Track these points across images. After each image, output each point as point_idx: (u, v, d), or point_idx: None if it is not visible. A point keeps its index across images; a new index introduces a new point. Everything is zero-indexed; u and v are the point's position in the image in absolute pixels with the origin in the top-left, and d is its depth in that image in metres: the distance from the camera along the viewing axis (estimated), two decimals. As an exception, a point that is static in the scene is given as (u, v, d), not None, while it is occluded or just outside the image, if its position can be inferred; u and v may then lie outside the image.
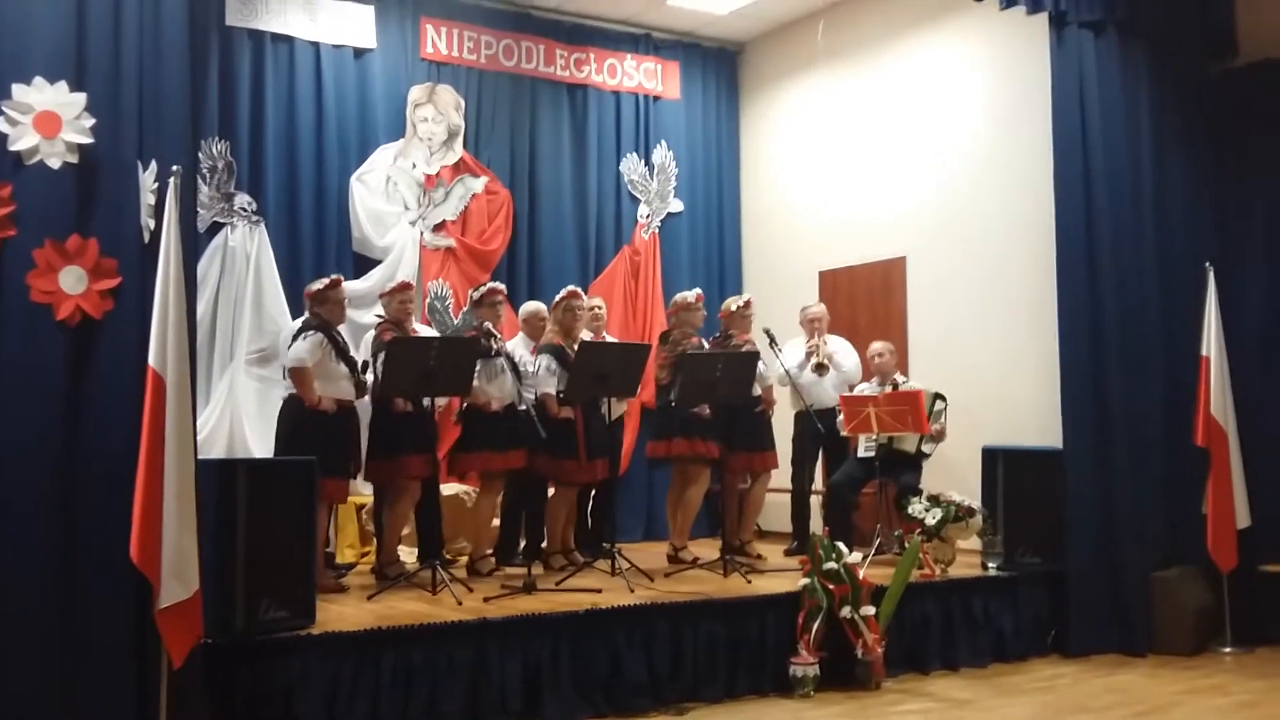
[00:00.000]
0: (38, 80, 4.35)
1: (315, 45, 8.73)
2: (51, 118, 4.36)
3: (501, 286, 7.42)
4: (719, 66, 10.68)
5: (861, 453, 7.69)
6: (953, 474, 7.68)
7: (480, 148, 9.46)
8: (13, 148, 4.31)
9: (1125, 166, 7.14)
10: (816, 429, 7.80)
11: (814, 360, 8.01)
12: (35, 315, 4.29)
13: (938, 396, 7.59)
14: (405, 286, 7.04)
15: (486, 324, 7.01)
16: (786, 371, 7.84)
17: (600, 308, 7.85)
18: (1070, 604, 6.84)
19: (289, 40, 8.64)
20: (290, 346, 6.41)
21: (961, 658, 6.50)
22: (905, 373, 8.30)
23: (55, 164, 4.37)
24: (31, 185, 4.33)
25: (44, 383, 4.28)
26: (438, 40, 9.31)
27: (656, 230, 10.13)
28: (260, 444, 7.69)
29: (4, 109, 4.30)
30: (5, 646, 4.14)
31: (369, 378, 6.54)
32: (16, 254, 4.29)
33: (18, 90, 4.32)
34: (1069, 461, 6.92)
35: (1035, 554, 7.01)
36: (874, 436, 7.40)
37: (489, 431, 6.80)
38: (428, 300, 8.90)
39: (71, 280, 4.36)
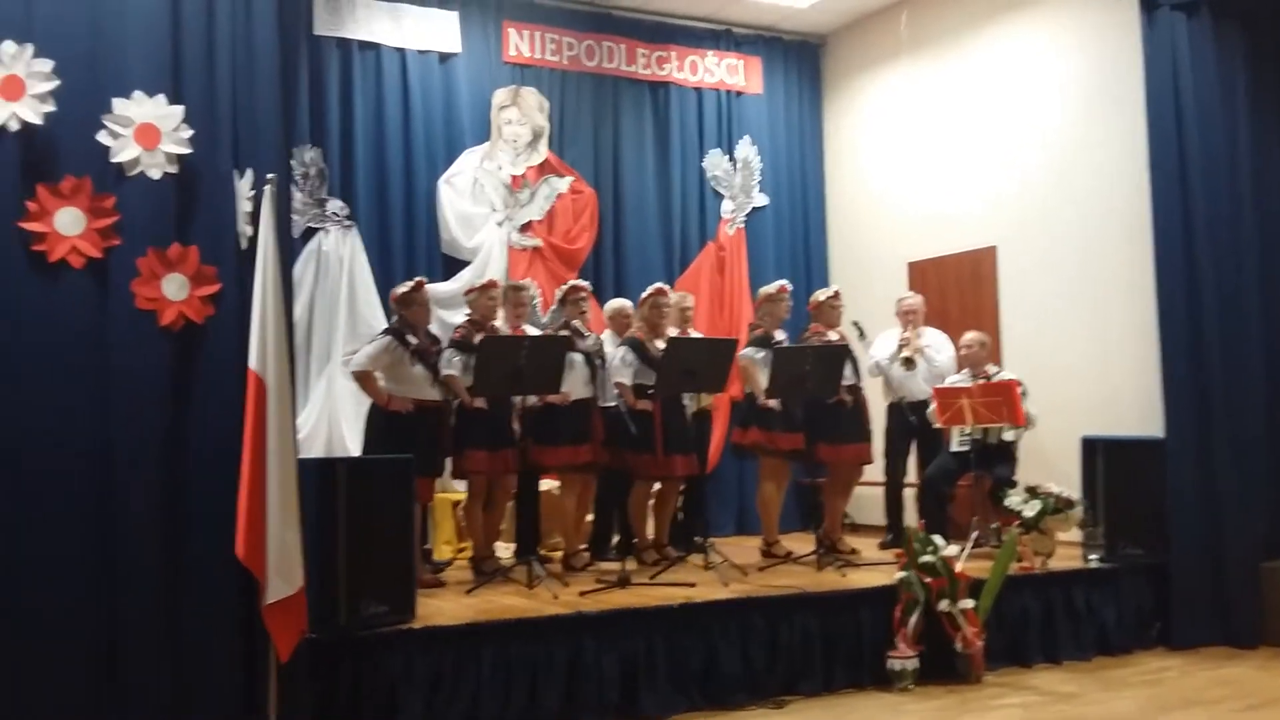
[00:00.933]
0: (137, 94, 4.47)
1: (401, 51, 8.86)
2: (151, 130, 4.48)
3: (585, 284, 7.46)
4: (801, 60, 10.60)
5: (956, 446, 7.58)
6: (1050, 465, 7.53)
7: (564, 148, 9.52)
8: (115, 160, 4.44)
9: (1222, 150, 6.94)
10: (909, 421, 7.73)
11: (902, 354, 7.91)
12: (140, 322, 4.42)
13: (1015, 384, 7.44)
14: (490, 285, 7.09)
15: (576, 322, 7.05)
16: (876, 363, 7.78)
17: (689, 304, 7.83)
18: (1175, 596, 6.68)
19: (375, 47, 8.77)
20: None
21: (1064, 651, 6.39)
22: (998, 363, 8.16)
23: (156, 174, 4.49)
24: (134, 196, 4.46)
25: (150, 387, 4.41)
26: (520, 43, 9.38)
27: (742, 225, 10.09)
28: (358, 443, 7.80)
29: (106, 123, 4.42)
30: (121, 641, 4.28)
31: (446, 374, 6.58)
32: (121, 263, 4.42)
33: (118, 104, 4.44)
34: (1171, 451, 6.75)
35: (1137, 545, 6.85)
36: (968, 429, 7.29)
37: (556, 426, 6.80)
38: (516, 300, 8.97)
39: (174, 287, 4.47)
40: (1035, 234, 8.55)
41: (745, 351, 7.26)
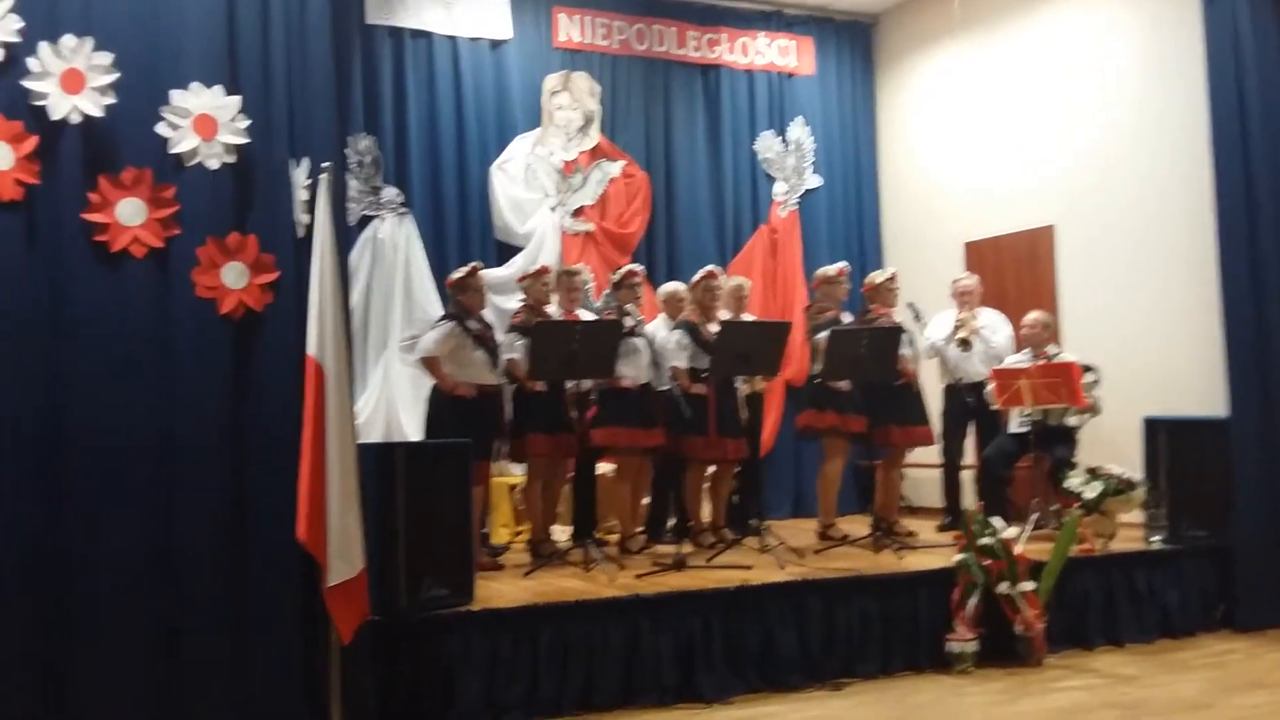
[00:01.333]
0: (194, 85, 4.52)
1: (452, 39, 8.89)
2: (209, 120, 4.53)
3: (640, 268, 7.46)
4: (853, 39, 10.51)
5: (1014, 427, 7.50)
6: (1111, 446, 7.43)
7: (616, 132, 9.52)
8: (174, 150, 4.50)
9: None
10: (965, 402, 7.64)
11: (959, 335, 7.83)
12: (201, 310, 4.48)
13: (1086, 369, 7.34)
14: (543, 271, 7.11)
15: (627, 305, 7.04)
16: (932, 344, 7.71)
17: (744, 286, 7.81)
18: (1239, 578, 6.57)
19: (427, 35, 8.81)
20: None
21: (1126, 634, 6.31)
22: (1058, 344, 8.04)
23: (214, 164, 4.54)
24: (192, 186, 4.51)
25: (211, 375, 4.47)
26: (571, 28, 9.38)
27: (795, 207, 10.03)
28: (415, 427, 7.89)
29: (165, 114, 4.48)
30: (185, 624, 4.35)
31: (508, 358, 6.63)
32: (181, 252, 4.48)
33: (176, 95, 4.50)
34: (1235, 431, 6.62)
35: (1201, 527, 6.74)
36: (1027, 410, 7.21)
37: (624, 409, 6.82)
38: (570, 284, 8.99)
39: (233, 275, 4.53)
40: (1093, 213, 8.42)
41: (820, 335, 7.21)
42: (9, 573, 4.16)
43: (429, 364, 6.55)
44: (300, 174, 4.67)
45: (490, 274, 7.94)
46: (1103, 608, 6.33)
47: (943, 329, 7.87)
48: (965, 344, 7.79)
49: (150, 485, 4.37)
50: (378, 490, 4.91)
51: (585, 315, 7.29)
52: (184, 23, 4.55)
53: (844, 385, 7.09)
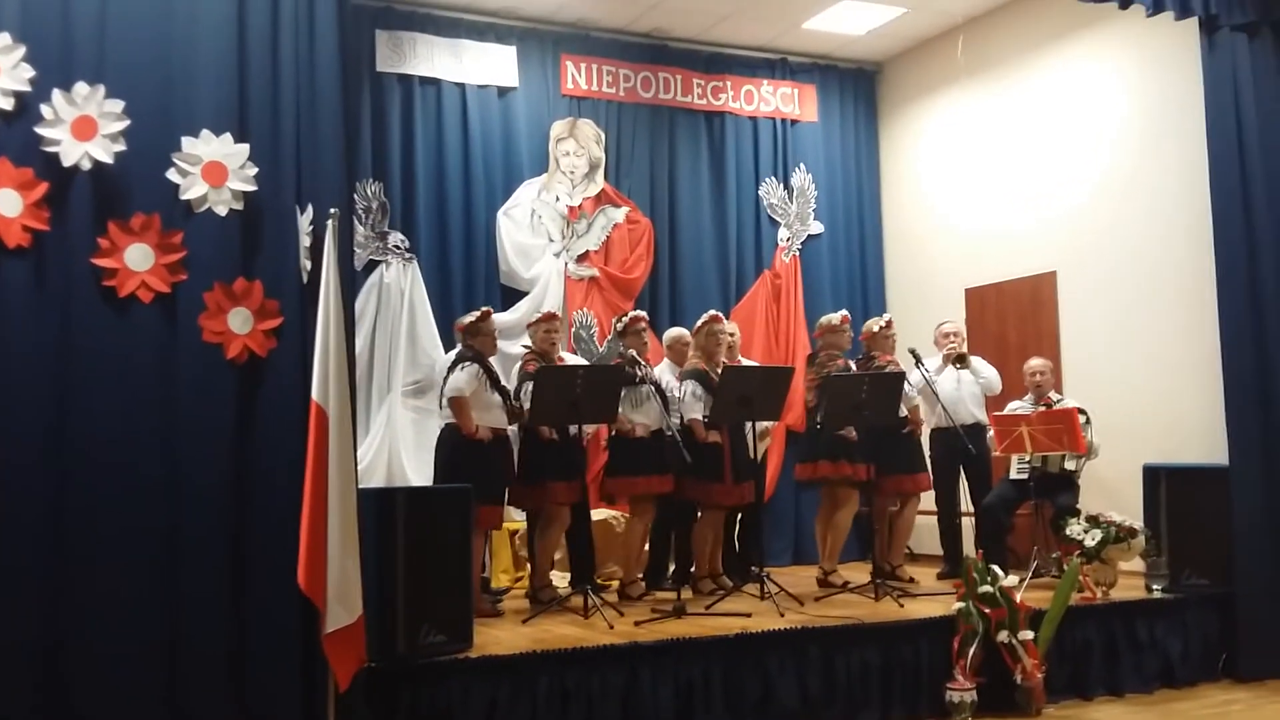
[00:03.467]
0: (205, 133, 4.58)
1: (461, 86, 8.99)
2: (218, 167, 4.59)
3: (644, 314, 7.49)
4: (857, 87, 10.60)
5: (1014, 474, 7.50)
6: (1111, 494, 7.43)
7: (620, 178, 9.59)
8: (184, 197, 4.55)
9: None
10: (955, 446, 7.60)
11: (953, 353, 7.75)
12: (207, 355, 4.52)
13: (1079, 412, 7.34)
14: (550, 317, 7.14)
15: (631, 351, 7.07)
16: (924, 376, 7.53)
17: (734, 334, 7.81)
18: (1241, 626, 6.54)
19: (436, 83, 8.91)
20: (448, 378, 6.56)
21: (1126, 684, 6.28)
22: (1059, 390, 8.06)
23: (222, 211, 4.59)
24: (201, 232, 4.56)
25: (216, 418, 4.50)
26: (578, 76, 9.48)
27: (797, 253, 10.08)
28: (417, 472, 7.90)
29: (175, 160, 4.54)
30: (184, 669, 4.35)
31: (521, 404, 6.66)
32: (188, 297, 4.52)
33: (187, 143, 4.56)
34: (1235, 479, 6.62)
35: (1202, 575, 6.72)
36: (1027, 457, 7.22)
37: (636, 457, 6.85)
38: (573, 329, 9.04)
39: (239, 321, 4.57)
40: (1096, 258, 8.47)
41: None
42: (16, 613, 4.16)
43: (458, 405, 6.47)
44: (304, 220, 4.71)
45: (496, 319, 7.97)
46: (1103, 657, 6.30)
47: (931, 368, 7.81)
48: (963, 360, 7.73)
49: (153, 527, 4.38)
50: (378, 535, 4.92)
51: (572, 359, 7.30)
52: (195, 70, 4.62)
53: (850, 434, 7.09)
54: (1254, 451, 6.62)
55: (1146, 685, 6.32)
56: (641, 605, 6.61)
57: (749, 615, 6.06)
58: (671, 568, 7.47)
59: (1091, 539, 6.67)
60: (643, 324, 7.31)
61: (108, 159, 4.42)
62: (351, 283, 5.20)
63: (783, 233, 10.07)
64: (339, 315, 4.47)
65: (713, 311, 7.38)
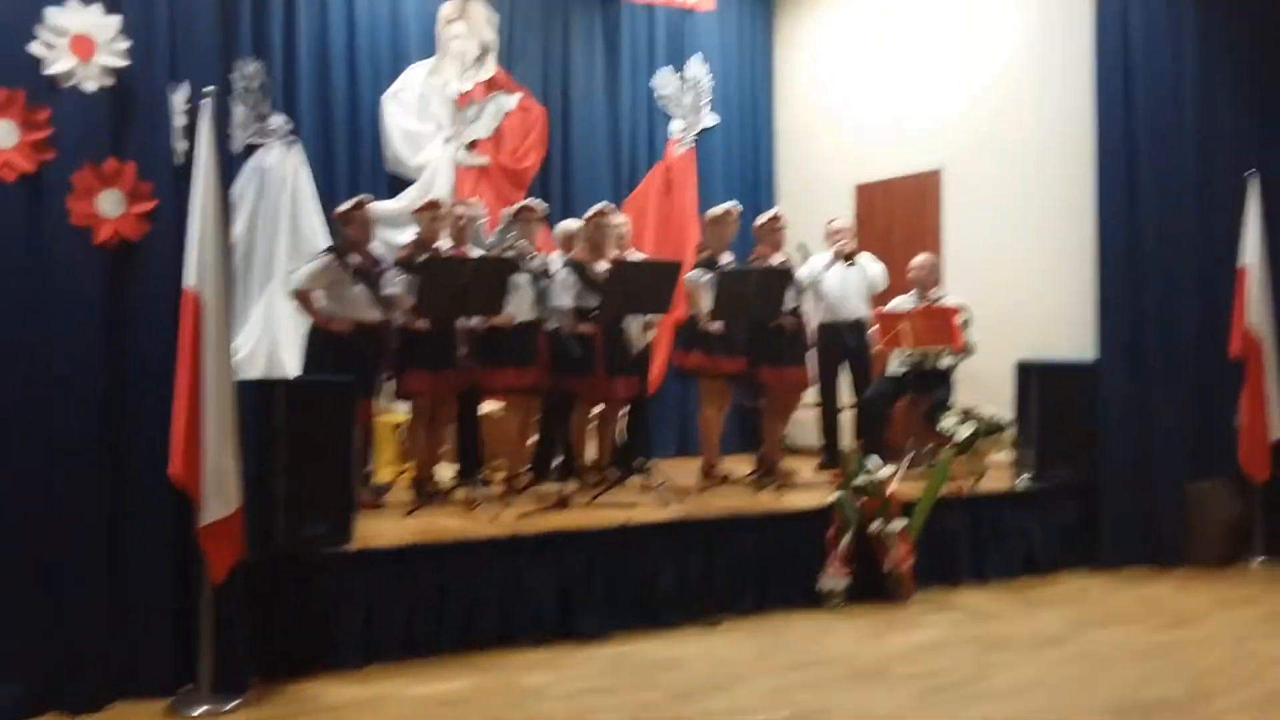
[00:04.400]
0: (71, 3, 4.37)
1: (347, -40, 8.67)
2: (86, 41, 4.39)
3: (538, 203, 7.40)
4: (754, -25, 10.51)
5: (894, 369, 7.67)
6: (987, 388, 7.65)
7: (513, 64, 9.40)
8: (48, 71, 4.35)
9: (1169, 74, 7.00)
10: (841, 342, 7.73)
11: (840, 250, 7.82)
12: (75, 239, 4.36)
13: (958, 309, 7.50)
14: (432, 204, 6.97)
15: (523, 240, 7.01)
16: (810, 274, 7.58)
17: (625, 224, 7.79)
18: (1101, 516, 6.88)
19: (320, -45, 8.58)
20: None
21: (991, 571, 6.57)
22: (941, 287, 8.22)
23: (91, 87, 4.40)
24: (68, 109, 4.37)
25: (86, 306, 4.37)
26: (469, -46, 9.21)
27: (691, 145, 10.05)
28: (297, 364, 7.77)
29: (39, 33, 4.32)
30: (59, 561, 4.28)
31: (391, 293, 6.56)
32: (55, 178, 4.35)
33: (52, 13, 4.34)
34: (1102, 374, 6.92)
35: (1068, 467, 7.00)
36: (907, 353, 7.39)
37: (500, 349, 6.78)
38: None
39: (110, 204, 4.41)
40: (980, 158, 8.62)
41: (691, 274, 7.27)
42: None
43: (300, 297, 6.46)
44: (179, 98, 4.55)
45: (380, 207, 7.83)
46: (970, 546, 6.57)
47: (820, 261, 7.91)
48: (849, 258, 7.83)
49: (23, 418, 4.28)
50: (257, 428, 4.85)
51: (474, 251, 7.23)
52: (61, -61, 4.38)
53: (716, 327, 7.14)
54: (1121, 349, 6.90)
55: (1010, 572, 6.61)
56: (527, 498, 6.65)
57: (633, 507, 6.15)
58: (558, 460, 7.53)
59: (964, 432, 6.87)
60: (535, 213, 7.22)
61: (-36, 31, 4.20)
62: (229, 165, 5.04)
63: (676, 124, 10.02)
64: (215, 200, 4.36)
65: (602, 204, 7.33)
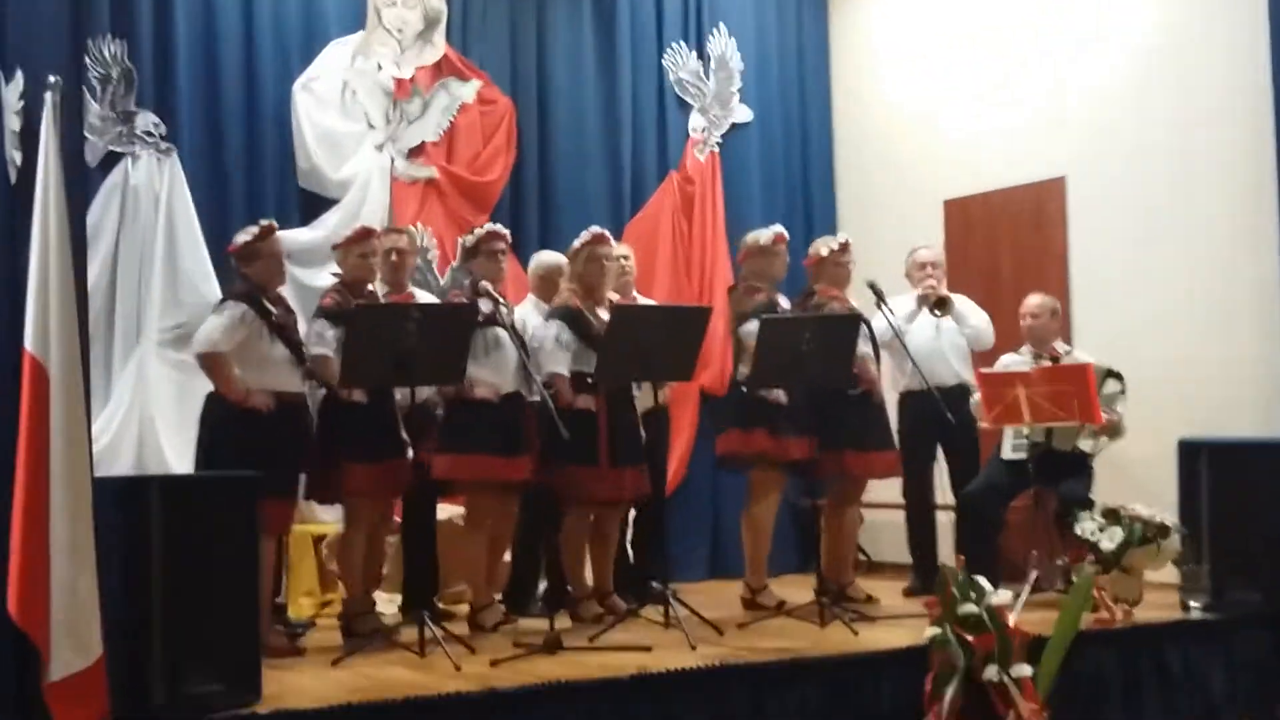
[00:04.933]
0: None
1: (239, -93, 8.79)
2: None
3: (503, 230, 7.42)
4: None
5: (1008, 453, 7.65)
6: (1138, 478, 7.64)
7: (470, 42, 9.52)
8: None
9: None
10: (930, 416, 7.67)
11: (926, 295, 7.88)
12: None
13: (1110, 375, 7.50)
14: (365, 234, 6.98)
15: (483, 283, 7.02)
16: (892, 327, 7.65)
17: (627, 259, 7.82)
18: (1306, 657, 6.83)
19: (203, -98, 8.70)
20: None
21: (1155, 731, 6.51)
22: (1068, 340, 8.22)
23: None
24: None
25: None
26: (407, -106, 9.35)
27: (716, 149, 10.13)
28: (180, 454, 7.75)
29: None
30: None
31: (317, 354, 6.58)
32: None
33: None
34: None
35: (1254, 588, 6.96)
36: (1026, 431, 7.36)
37: (473, 429, 6.80)
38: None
39: (-84, 237, 4.44)
40: (1118, 161, 8.65)
41: (746, 327, 7.25)
42: None
43: (211, 362, 6.40)
44: (11, 93, 4.61)
45: (290, 237, 7.85)
46: (1124, 696, 6.50)
47: (903, 308, 7.93)
48: (943, 304, 7.84)
49: None
50: (125, 543, 4.84)
51: (423, 296, 7.23)
52: None
53: (778, 396, 7.13)
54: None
55: (1182, 731, 6.56)
56: (500, 638, 6.62)
57: (649, 649, 6.13)
58: (543, 586, 7.48)
59: (1109, 540, 6.84)
60: (500, 243, 7.25)
61: None
62: (83, 183, 5.07)
63: (697, 120, 10.11)
64: (63, 231, 4.39)
65: (596, 229, 7.35)
